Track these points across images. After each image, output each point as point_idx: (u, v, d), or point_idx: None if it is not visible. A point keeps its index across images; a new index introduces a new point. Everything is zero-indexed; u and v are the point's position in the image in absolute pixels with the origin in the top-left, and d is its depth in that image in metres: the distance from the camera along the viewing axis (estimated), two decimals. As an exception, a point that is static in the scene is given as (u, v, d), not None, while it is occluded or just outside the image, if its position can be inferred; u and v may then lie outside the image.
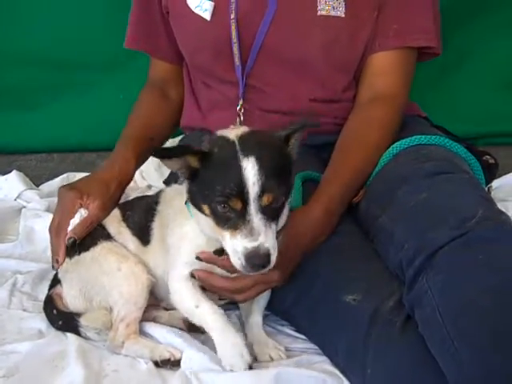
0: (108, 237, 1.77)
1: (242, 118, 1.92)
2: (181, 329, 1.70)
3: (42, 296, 1.84)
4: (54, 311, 1.76)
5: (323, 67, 1.90)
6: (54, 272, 1.84)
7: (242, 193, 1.37)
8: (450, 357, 1.30)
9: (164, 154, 1.47)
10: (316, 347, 1.65)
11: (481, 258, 1.38)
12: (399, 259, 1.53)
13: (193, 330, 1.68)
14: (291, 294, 1.68)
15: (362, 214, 1.78)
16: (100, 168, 1.93)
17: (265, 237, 1.39)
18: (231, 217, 1.41)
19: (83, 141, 2.92)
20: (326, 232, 1.68)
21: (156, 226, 1.73)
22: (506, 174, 2.53)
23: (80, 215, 1.77)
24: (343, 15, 1.85)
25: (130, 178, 1.91)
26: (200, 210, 1.49)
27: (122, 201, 1.91)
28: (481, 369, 1.25)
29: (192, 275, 1.61)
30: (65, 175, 2.65)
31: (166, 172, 2.35)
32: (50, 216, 2.21)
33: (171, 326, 1.72)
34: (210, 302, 1.60)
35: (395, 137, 1.86)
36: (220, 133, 1.51)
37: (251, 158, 1.38)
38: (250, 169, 1.37)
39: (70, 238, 1.73)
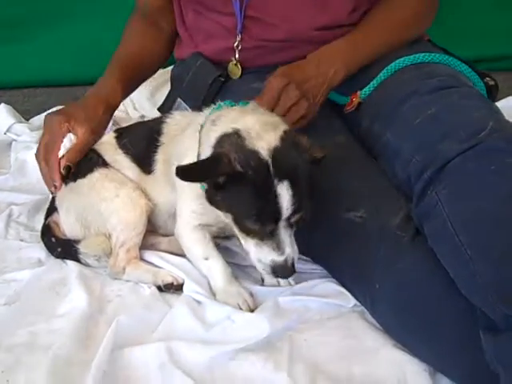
0: (104, 164, 1.73)
1: (237, 53, 1.86)
2: (180, 255, 1.67)
3: (39, 226, 1.80)
4: (53, 239, 1.74)
5: None
6: (49, 201, 1.81)
7: (275, 217, 1.37)
8: (463, 266, 1.27)
9: (190, 177, 1.39)
10: (321, 268, 1.63)
11: (493, 168, 1.34)
12: (407, 174, 1.50)
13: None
14: None
15: (364, 132, 1.73)
16: (86, 95, 1.87)
17: (291, 248, 1.40)
18: (258, 230, 1.39)
19: (71, 74, 2.86)
20: (347, 63, 1.73)
21: (159, 159, 1.68)
22: (503, 98, 2.48)
23: (69, 140, 1.71)
24: None
25: (118, 102, 1.87)
26: (219, 210, 1.45)
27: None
28: (494, 277, 1.23)
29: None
30: (54, 109, 2.55)
31: (159, 101, 2.28)
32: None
33: (170, 252, 1.70)
34: (220, 255, 1.59)
35: (424, 25, 1.91)
36: (234, 126, 1.40)
37: (285, 182, 1.34)
38: (285, 194, 1.35)
39: (64, 166, 1.68)
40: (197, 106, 1.76)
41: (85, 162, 1.72)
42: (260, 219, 1.37)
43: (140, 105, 2.56)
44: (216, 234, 1.66)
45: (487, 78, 1.90)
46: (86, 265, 1.68)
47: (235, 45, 1.86)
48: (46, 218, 1.80)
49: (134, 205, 1.66)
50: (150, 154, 1.69)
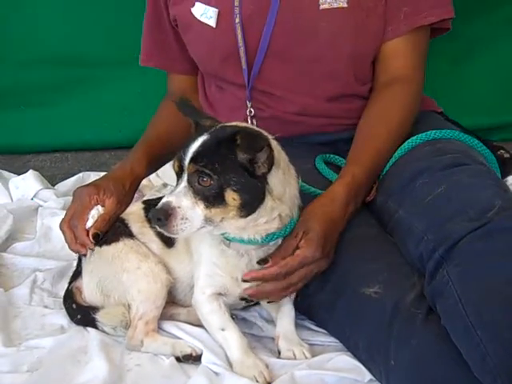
0: (130, 235, 1.78)
1: (250, 120, 1.94)
2: (199, 326, 1.70)
3: (62, 293, 1.84)
4: (74, 305, 1.78)
5: (332, 62, 1.90)
6: (76, 265, 1.86)
7: (181, 157, 1.49)
8: (474, 348, 1.30)
9: (177, 105, 1.63)
10: (336, 341, 1.65)
11: (501, 247, 1.39)
12: (419, 252, 1.54)
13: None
14: (309, 284, 1.67)
15: (379, 209, 1.78)
16: (113, 168, 1.98)
17: (177, 199, 1.46)
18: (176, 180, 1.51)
19: (97, 139, 2.96)
20: (352, 210, 1.70)
21: None
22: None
23: (97, 211, 1.79)
24: (346, 5, 1.85)
25: (142, 174, 1.96)
26: None
27: (136, 200, 1.94)
28: (504, 359, 1.26)
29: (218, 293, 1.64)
30: (80, 174, 2.66)
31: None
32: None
33: (189, 322, 1.73)
34: (236, 326, 1.62)
35: (415, 117, 1.90)
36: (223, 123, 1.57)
37: (205, 136, 1.49)
38: (198, 142, 1.49)
39: (94, 234, 1.75)
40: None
41: (112, 231, 1.78)
42: (174, 159, 1.50)
43: (163, 173, 2.62)
44: (232, 306, 1.70)
45: (501, 151, 1.95)
46: (105, 332, 1.71)
47: (247, 112, 1.95)
48: (70, 283, 1.84)
49: (155, 278, 1.70)
50: None
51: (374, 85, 1.96)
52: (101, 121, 2.96)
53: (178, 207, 1.45)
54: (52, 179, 2.70)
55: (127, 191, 1.86)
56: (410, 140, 1.83)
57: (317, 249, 1.55)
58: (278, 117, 1.94)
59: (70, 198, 2.34)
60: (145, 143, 2.00)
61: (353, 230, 1.69)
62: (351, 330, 1.58)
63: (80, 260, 1.83)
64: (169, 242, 1.76)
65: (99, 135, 2.98)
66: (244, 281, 1.59)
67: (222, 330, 1.62)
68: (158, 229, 1.50)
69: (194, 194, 1.47)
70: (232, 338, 1.60)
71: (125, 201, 1.84)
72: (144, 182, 2.57)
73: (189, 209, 1.46)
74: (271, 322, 1.75)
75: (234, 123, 1.58)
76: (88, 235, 1.75)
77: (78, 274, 1.83)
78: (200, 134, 1.51)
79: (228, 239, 1.58)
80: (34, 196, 2.47)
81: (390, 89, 1.90)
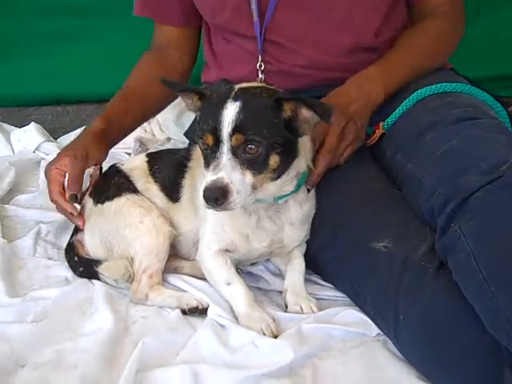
0: (134, 191, 1.77)
1: (260, 74, 1.90)
2: (203, 279, 1.69)
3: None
4: (75, 258, 1.77)
5: (348, 9, 1.85)
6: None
7: (215, 129, 1.41)
8: (487, 301, 1.28)
9: (168, 85, 1.61)
10: (344, 295, 1.64)
11: None
12: (430, 206, 1.52)
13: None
14: (317, 239, 1.67)
15: (388, 162, 1.76)
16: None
17: (227, 175, 1.40)
18: (208, 154, 1.44)
19: (100, 91, 2.85)
20: (386, 86, 1.79)
21: (186, 184, 1.72)
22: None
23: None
24: None
25: (101, 130, 1.90)
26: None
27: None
28: None
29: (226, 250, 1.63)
30: (83, 128, 2.60)
31: (186, 124, 2.32)
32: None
33: (193, 276, 1.72)
34: (242, 280, 1.61)
35: (450, 51, 1.97)
36: (238, 86, 1.51)
37: (237, 102, 1.42)
38: (231, 110, 1.41)
39: (69, 196, 1.76)
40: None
41: (114, 186, 1.77)
42: (204, 131, 1.43)
43: (166, 127, 2.60)
44: (239, 262, 1.69)
45: None
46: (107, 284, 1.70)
47: (258, 66, 1.90)
48: (71, 236, 1.83)
49: (158, 231, 1.69)
50: (177, 180, 1.74)
51: (410, 21, 1.98)
52: (103, 72, 2.89)
53: (231, 182, 1.41)
54: (53, 132, 2.66)
55: (84, 146, 1.83)
56: (419, 91, 1.79)
57: (342, 115, 1.64)
58: (287, 70, 1.90)
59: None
60: (116, 98, 2.00)
61: (361, 185, 1.68)
62: (360, 285, 1.56)
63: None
64: (173, 197, 1.75)
65: (102, 87, 2.88)
66: (308, 190, 1.63)
67: (228, 284, 1.60)
68: (213, 209, 1.44)
69: (241, 164, 1.42)
70: (238, 292, 1.59)
71: (82, 155, 1.80)
72: (148, 135, 2.56)
73: (240, 181, 1.42)
74: (278, 275, 1.74)
75: (250, 84, 1.53)
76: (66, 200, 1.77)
77: (79, 228, 1.81)
78: (222, 103, 1.43)
79: None
80: (36, 149, 2.44)
81: (428, 20, 1.93)
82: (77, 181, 1.77)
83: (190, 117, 2.29)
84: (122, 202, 1.74)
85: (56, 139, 2.61)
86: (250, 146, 1.42)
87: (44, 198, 2.14)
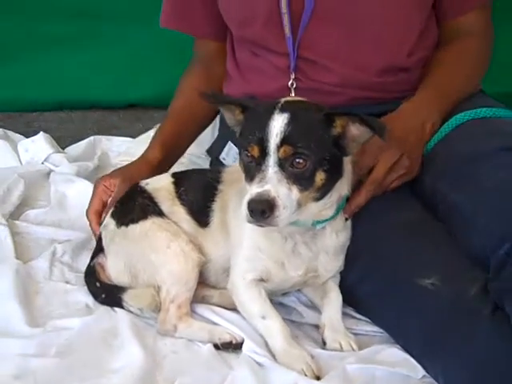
0: (160, 214, 1.67)
1: (292, 91, 1.82)
2: (233, 309, 1.61)
3: (84, 268, 1.74)
4: (97, 283, 1.68)
5: (382, 26, 1.77)
6: (97, 241, 1.75)
7: (262, 140, 1.36)
8: None
9: (208, 98, 1.60)
10: (382, 331, 1.57)
11: None
12: (482, 243, 1.45)
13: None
14: (354, 271, 1.60)
15: (427, 189, 1.68)
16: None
17: (274, 188, 1.34)
18: (252, 167, 1.39)
19: (105, 98, 2.85)
20: (441, 113, 1.74)
21: (217, 207, 1.64)
22: None
23: None
24: None
25: (157, 160, 1.93)
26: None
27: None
28: None
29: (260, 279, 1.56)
30: (91, 138, 2.52)
31: (203, 139, 2.24)
32: (82, 181, 2.13)
33: (222, 306, 1.63)
34: (278, 313, 1.53)
35: (485, 70, 1.92)
36: (283, 99, 1.46)
37: (285, 113, 1.37)
38: (279, 121, 1.37)
39: None
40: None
41: (139, 209, 1.67)
42: (249, 142, 1.37)
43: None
44: (270, 293, 1.60)
45: None
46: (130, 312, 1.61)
47: (290, 83, 1.83)
48: (91, 259, 1.73)
49: (186, 258, 1.60)
50: (206, 203, 1.65)
51: (441, 41, 1.91)
52: (109, 78, 2.85)
53: (278, 196, 1.34)
54: (59, 141, 2.55)
55: (130, 169, 1.88)
56: (457, 116, 1.74)
57: (396, 147, 1.58)
58: (319, 88, 1.81)
59: (83, 164, 2.29)
60: (167, 123, 2.00)
61: (399, 214, 1.60)
62: (403, 323, 1.49)
63: (101, 237, 1.73)
64: (202, 222, 1.66)
65: (107, 94, 2.87)
66: (346, 219, 1.57)
67: (263, 318, 1.52)
68: (257, 224, 1.37)
69: (287, 178, 1.36)
70: (274, 327, 1.51)
71: (129, 178, 1.81)
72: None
73: (286, 196, 1.35)
74: (311, 307, 1.67)
75: (295, 98, 1.51)
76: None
77: (99, 250, 1.72)
78: (270, 114, 1.38)
79: None
80: (45, 160, 2.33)
81: (461, 40, 1.87)
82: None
83: (207, 133, 2.20)
84: (148, 225, 1.64)
85: (63, 148, 2.50)
86: (297, 160, 1.36)
87: (56, 214, 2.07)
